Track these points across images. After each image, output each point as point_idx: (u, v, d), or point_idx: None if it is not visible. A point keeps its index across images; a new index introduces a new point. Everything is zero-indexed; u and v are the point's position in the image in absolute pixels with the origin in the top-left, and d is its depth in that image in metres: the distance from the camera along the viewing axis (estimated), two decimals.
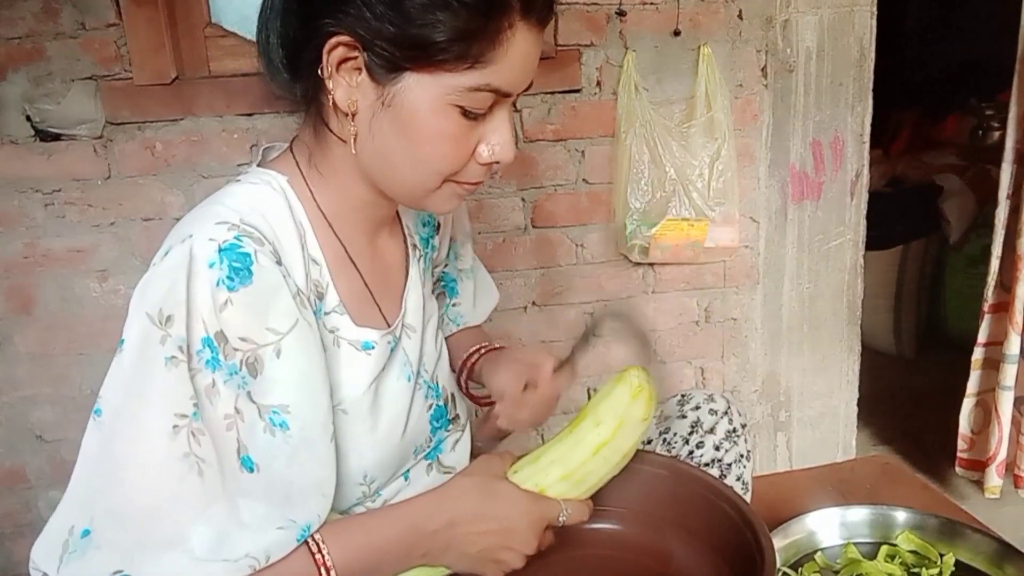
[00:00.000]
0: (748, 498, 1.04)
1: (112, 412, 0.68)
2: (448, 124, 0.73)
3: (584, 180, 1.83)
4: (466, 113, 0.72)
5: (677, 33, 1.76)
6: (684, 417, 1.07)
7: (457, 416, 1.00)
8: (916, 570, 1.00)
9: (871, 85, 1.91)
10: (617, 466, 0.87)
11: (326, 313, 0.79)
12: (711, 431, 1.05)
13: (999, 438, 1.93)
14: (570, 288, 1.90)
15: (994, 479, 1.97)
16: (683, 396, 1.10)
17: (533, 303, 1.89)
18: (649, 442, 1.09)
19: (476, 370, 1.06)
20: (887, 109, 2.42)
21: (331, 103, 0.74)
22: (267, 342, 0.69)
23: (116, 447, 0.68)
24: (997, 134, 2.83)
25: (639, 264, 1.89)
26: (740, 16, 1.79)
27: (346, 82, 0.73)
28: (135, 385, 0.67)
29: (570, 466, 0.84)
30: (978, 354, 1.99)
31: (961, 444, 2.05)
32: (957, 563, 1.00)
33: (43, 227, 1.62)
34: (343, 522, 0.79)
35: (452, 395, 0.99)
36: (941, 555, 1.02)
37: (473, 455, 1.01)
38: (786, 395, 2.08)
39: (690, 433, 1.06)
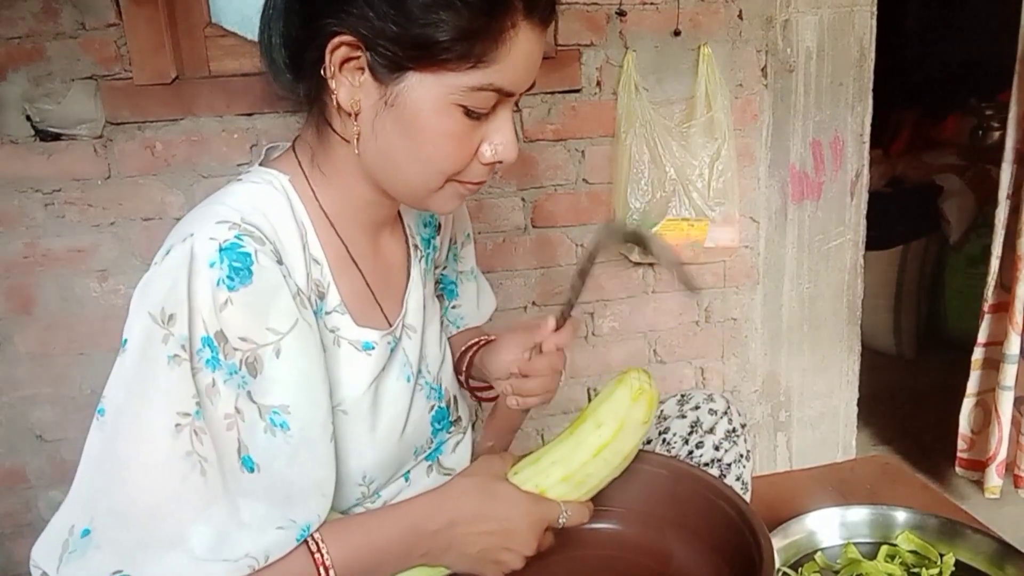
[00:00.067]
0: (748, 498, 1.04)
1: (115, 411, 0.68)
2: (451, 123, 0.73)
3: (584, 180, 1.83)
4: (469, 113, 0.72)
5: (677, 33, 1.76)
6: (684, 417, 1.07)
7: (459, 418, 1.00)
8: (916, 570, 1.00)
9: (871, 85, 1.91)
10: (618, 468, 0.87)
11: (327, 313, 0.79)
12: (711, 431, 1.05)
13: (999, 438, 1.93)
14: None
15: (994, 479, 1.97)
16: (683, 396, 1.10)
17: (533, 303, 1.89)
18: (649, 442, 1.09)
19: (476, 363, 1.06)
20: (887, 109, 2.42)
21: (334, 103, 0.74)
22: (267, 342, 0.69)
23: (119, 446, 0.68)
24: (997, 134, 2.83)
25: (639, 264, 1.89)
26: (740, 16, 1.79)
27: (349, 82, 0.73)
28: (138, 384, 0.67)
29: (571, 467, 0.84)
30: (978, 354, 1.99)
31: (961, 444, 2.05)
32: (957, 563, 1.00)
33: (43, 227, 1.62)
34: (343, 522, 0.79)
35: (455, 397, 0.99)
36: (941, 555, 1.02)
37: (474, 458, 1.01)
38: (786, 395, 2.08)
39: (690, 433, 1.06)
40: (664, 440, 1.07)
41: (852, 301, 2.05)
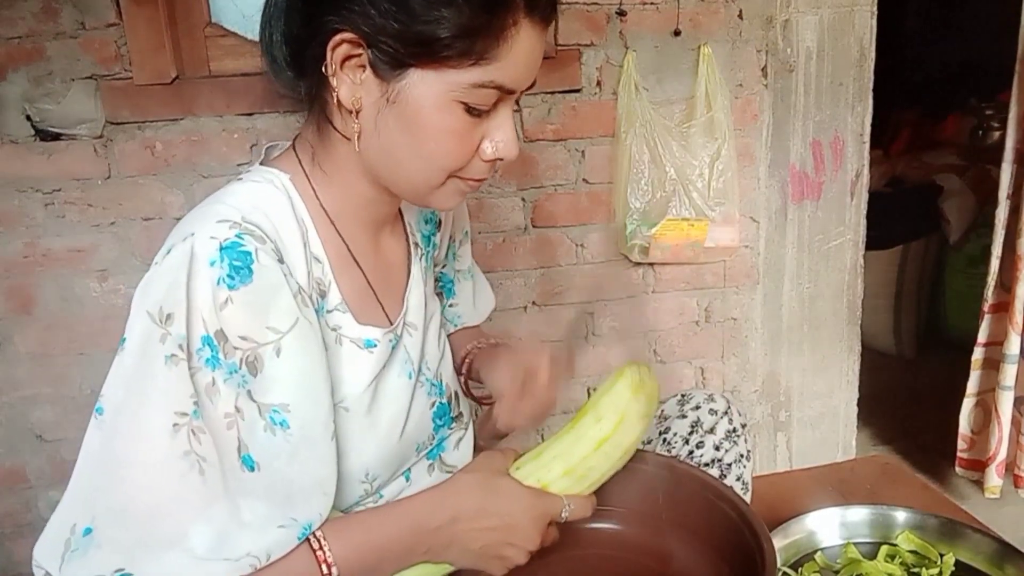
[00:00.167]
0: (748, 498, 1.04)
1: (113, 410, 0.68)
2: (452, 120, 0.73)
3: (584, 180, 1.83)
4: (470, 110, 0.73)
5: (677, 33, 1.76)
6: (684, 417, 1.07)
7: (460, 414, 1.00)
8: (916, 570, 1.00)
9: (871, 85, 1.91)
10: (619, 461, 0.87)
11: (328, 311, 0.79)
12: (711, 431, 1.05)
13: (999, 438, 1.93)
14: (570, 288, 1.90)
15: (994, 479, 1.97)
16: (683, 396, 1.10)
17: (533, 303, 1.89)
18: (649, 442, 1.09)
19: (474, 368, 1.06)
20: (887, 109, 2.42)
21: (335, 100, 0.74)
22: (267, 341, 0.69)
23: (117, 445, 0.68)
24: (997, 134, 2.83)
25: (639, 264, 1.89)
26: (740, 16, 1.79)
27: (350, 79, 0.73)
28: (136, 383, 0.67)
29: (572, 461, 0.84)
30: (978, 354, 1.99)
31: (961, 444, 2.05)
32: (957, 563, 1.00)
33: (43, 227, 1.62)
34: (344, 520, 0.79)
35: (455, 393, 0.99)
36: (941, 555, 1.02)
37: (476, 454, 1.01)
38: (786, 395, 2.08)
39: (690, 433, 1.06)
40: (664, 440, 1.07)
41: (852, 301, 2.05)
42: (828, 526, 1.06)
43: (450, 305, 1.12)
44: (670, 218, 1.76)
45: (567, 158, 1.81)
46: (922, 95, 3.44)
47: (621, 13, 1.73)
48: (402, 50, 0.70)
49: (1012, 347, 1.87)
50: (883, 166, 2.99)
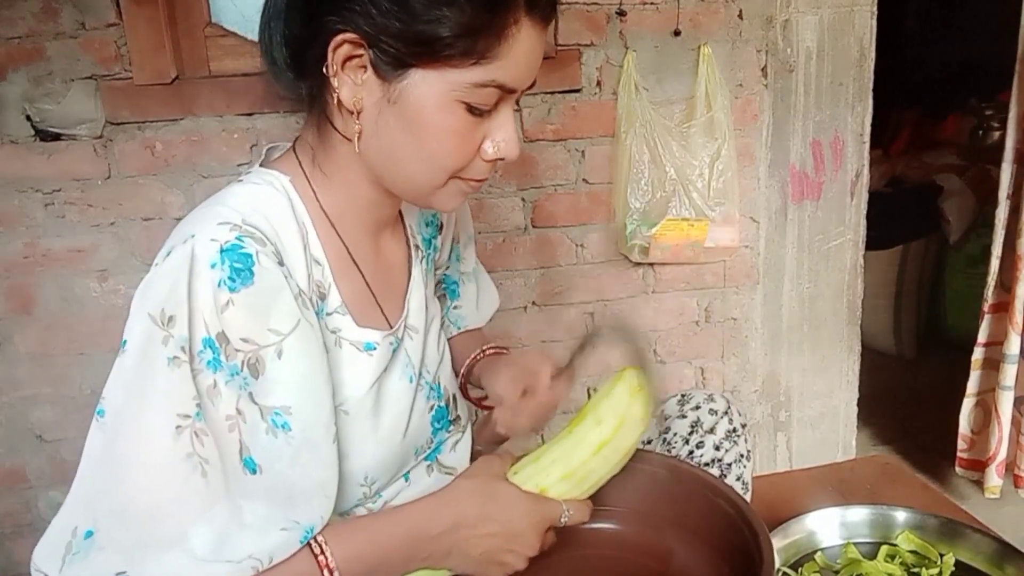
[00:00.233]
0: (748, 498, 1.04)
1: (115, 413, 0.68)
2: (454, 120, 0.73)
3: (584, 180, 1.83)
4: (472, 109, 0.73)
5: (677, 33, 1.76)
6: (684, 417, 1.07)
7: (458, 417, 1.00)
8: (916, 570, 1.00)
9: (871, 85, 1.91)
10: (617, 465, 0.87)
11: (328, 314, 0.79)
12: (711, 431, 1.05)
13: (999, 438, 1.93)
14: (570, 288, 1.90)
15: (994, 479, 1.97)
16: (683, 396, 1.10)
17: (533, 303, 1.89)
18: (649, 442, 1.09)
19: (476, 374, 1.06)
20: (887, 109, 2.42)
21: (336, 101, 0.74)
22: (269, 343, 0.69)
23: (119, 448, 0.68)
24: (997, 134, 2.83)
25: (639, 264, 1.89)
26: (740, 16, 1.79)
27: (351, 80, 0.73)
28: (137, 386, 0.67)
29: (571, 465, 0.84)
30: (978, 354, 1.99)
31: (961, 444, 2.05)
32: (957, 563, 1.00)
33: (43, 227, 1.62)
34: (346, 524, 0.79)
35: (453, 396, 0.99)
36: (941, 555, 1.02)
37: (473, 457, 1.01)
38: (786, 395, 2.08)
39: (690, 433, 1.06)
40: (664, 440, 1.07)
41: (852, 301, 2.05)
42: (828, 526, 1.06)
43: (454, 307, 1.12)
44: (670, 218, 1.76)
45: (567, 158, 1.81)
46: (922, 95, 3.44)
47: (621, 13, 1.73)
48: (404, 50, 0.70)
49: (1012, 347, 1.87)
50: (883, 166, 2.99)
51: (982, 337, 1.98)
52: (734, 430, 1.05)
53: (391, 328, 0.86)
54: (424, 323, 0.92)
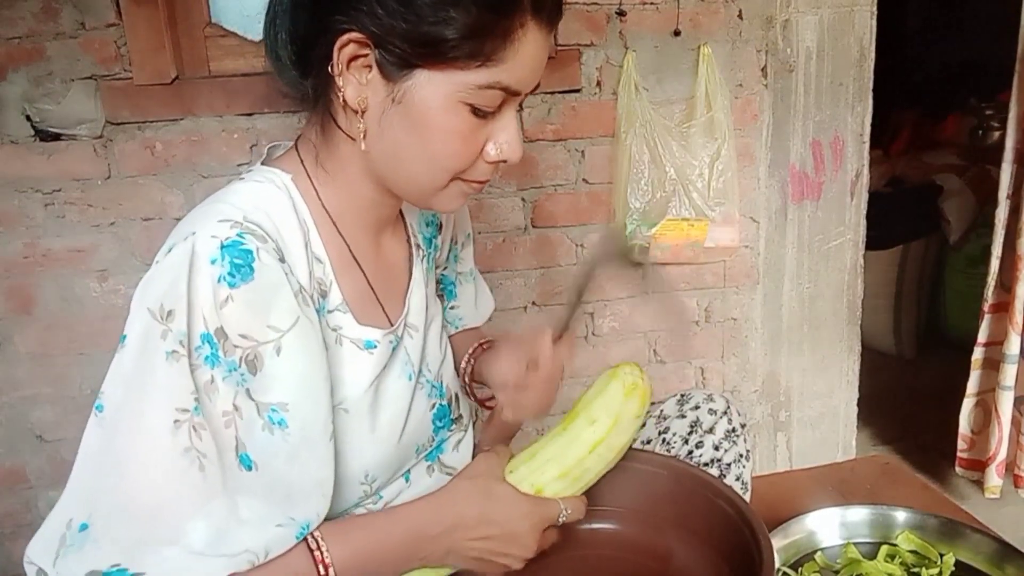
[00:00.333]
0: (748, 498, 1.04)
1: (113, 407, 0.68)
2: (458, 121, 0.73)
3: (584, 180, 1.83)
4: (476, 111, 0.73)
5: (677, 33, 1.76)
6: (684, 417, 1.07)
7: (460, 416, 1.00)
8: (916, 570, 1.00)
9: (871, 85, 1.91)
10: (612, 462, 0.87)
11: (329, 311, 0.79)
12: (711, 431, 1.05)
13: (999, 438, 1.93)
14: (570, 288, 1.90)
15: (994, 479, 1.97)
16: (683, 396, 1.10)
17: (533, 303, 1.89)
18: (648, 442, 1.09)
19: (476, 369, 1.06)
20: (887, 109, 2.42)
21: (340, 100, 0.74)
22: (267, 339, 0.69)
23: (117, 442, 0.67)
24: (997, 134, 2.83)
25: (639, 264, 1.89)
26: (740, 16, 1.79)
27: (356, 79, 0.73)
28: (136, 380, 0.67)
29: (566, 464, 0.84)
30: (978, 354, 1.99)
31: (961, 444, 2.05)
32: (957, 563, 1.00)
33: (43, 227, 1.62)
34: (344, 522, 0.79)
35: (455, 395, 0.99)
36: (941, 555, 1.02)
37: (475, 455, 1.01)
38: (786, 395, 2.08)
39: (689, 433, 1.06)
40: (664, 440, 1.07)
41: (852, 301, 2.05)
42: (828, 526, 1.06)
43: (451, 307, 1.12)
44: (670, 218, 1.76)
45: (567, 158, 1.81)
46: (922, 95, 3.44)
47: (621, 13, 1.73)
48: (409, 50, 0.70)
49: (1012, 347, 1.87)
50: (883, 166, 2.99)
51: (982, 337, 1.98)
52: (733, 430, 1.05)
53: (391, 326, 0.86)
54: (424, 321, 0.91)
